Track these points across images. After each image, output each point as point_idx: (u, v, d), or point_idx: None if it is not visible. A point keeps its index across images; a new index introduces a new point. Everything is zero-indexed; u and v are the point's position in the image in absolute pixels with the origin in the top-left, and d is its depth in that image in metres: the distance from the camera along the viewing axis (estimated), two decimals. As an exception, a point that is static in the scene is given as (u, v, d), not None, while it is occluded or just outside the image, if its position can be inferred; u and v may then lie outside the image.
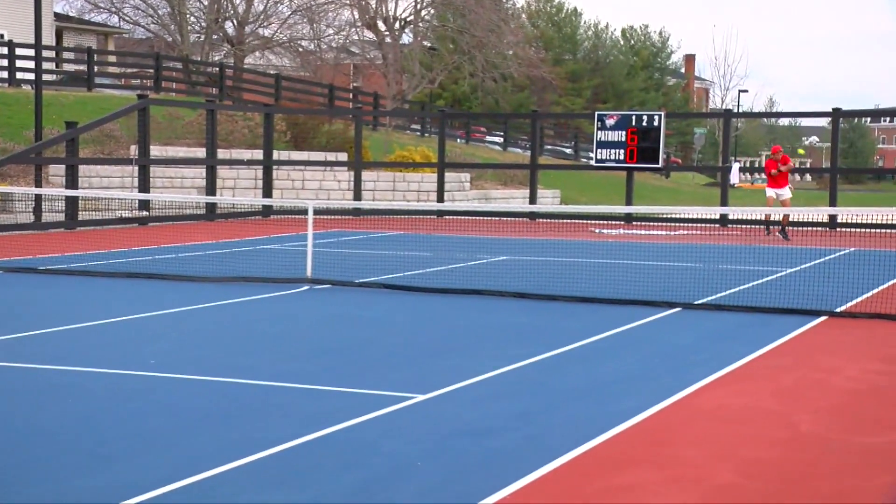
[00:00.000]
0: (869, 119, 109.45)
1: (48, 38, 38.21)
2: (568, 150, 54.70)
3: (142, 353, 8.46)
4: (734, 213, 23.61)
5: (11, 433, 6.08)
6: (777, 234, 21.28)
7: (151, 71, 36.75)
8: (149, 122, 23.16)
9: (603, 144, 25.32)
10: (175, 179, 25.26)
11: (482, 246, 17.99)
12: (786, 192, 21.76)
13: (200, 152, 25.47)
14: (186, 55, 40.93)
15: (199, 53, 42.98)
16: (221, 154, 25.82)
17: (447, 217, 26.27)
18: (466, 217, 25.64)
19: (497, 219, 25.09)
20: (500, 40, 44.35)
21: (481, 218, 25.16)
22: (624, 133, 25.05)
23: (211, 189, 24.39)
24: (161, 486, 5.06)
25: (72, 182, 20.89)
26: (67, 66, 37.46)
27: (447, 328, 9.97)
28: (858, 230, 22.42)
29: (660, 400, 6.96)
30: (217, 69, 38.85)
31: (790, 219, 21.76)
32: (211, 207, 24.11)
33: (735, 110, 61.32)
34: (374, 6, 42.13)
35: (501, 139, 50.41)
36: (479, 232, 21.12)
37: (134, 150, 24.06)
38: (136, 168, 22.61)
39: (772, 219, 21.80)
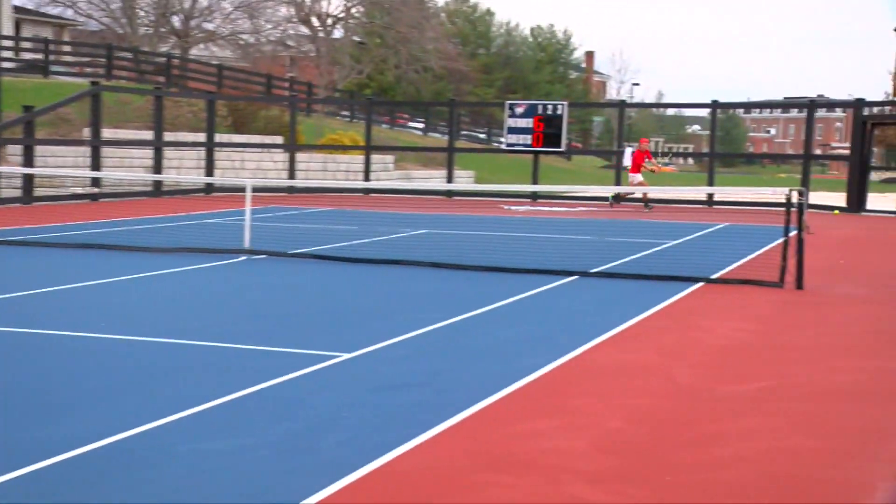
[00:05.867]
0: (742, 110, 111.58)
1: (7, 28, 36.96)
2: (482, 136, 54.74)
3: (92, 318, 8.26)
4: (626, 191, 23.92)
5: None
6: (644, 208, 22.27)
7: (103, 60, 35.70)
8: (101, 106, 22.57)
9: (513, 130, 25.38)
10: (125, 159, 24.65)
11: (404, 221, 17.95)
12: (638, 177, 22.56)
13: (148, 135, 24.90)
14: (136, 46, 39.91)
15: (148, 45, 41.92)
16: (168, 136, 25.29)
17: (373, 195, 26.14)
18: (390, 195, 25.53)
19: (418, 197, 25.02)
20: (421, 36, 44.15)
21: (403, 196, 25.07)
22: (531, 120, 25.14)
23: (157, 168, 23.89)
24: (104, 437, 4.96)
25: (29, 161, 20.27)
26: (25, 55, 36.22)
27: (371, 295, 9.93)
28: (732, 207, 22.88)
29: (557, 357, 7.03)
30: (164, 59, 37.95)
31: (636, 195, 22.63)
32: (157, 185, 23.62)
33: (628, 101, 61.98)
34: (308, 4, 41.56)
35: (422, 125, 50.23)
36: (402, 208, 21.06)
37: (87, 133, 23.42)
38: (89, 148, 22.01)
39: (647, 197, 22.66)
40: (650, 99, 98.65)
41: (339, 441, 5.05)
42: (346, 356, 6.92)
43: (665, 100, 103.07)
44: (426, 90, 52.22)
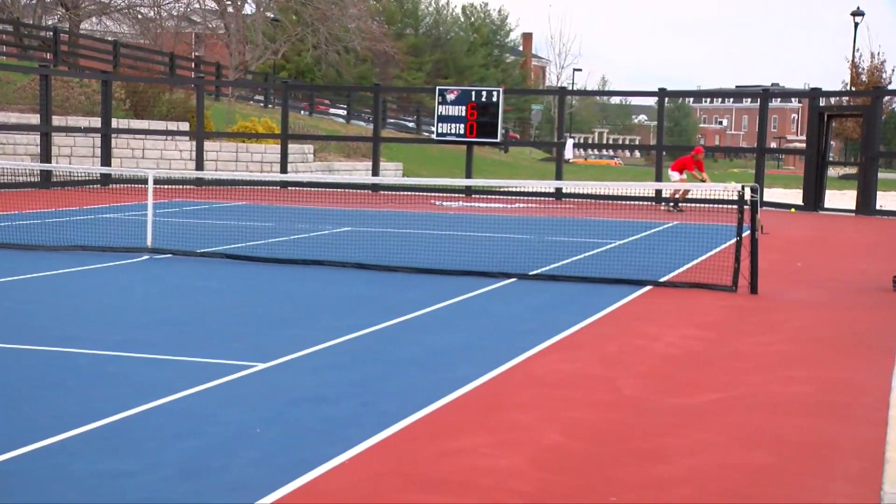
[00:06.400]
0: (692, 99, 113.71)
1: None
2: (410, 124, 54.87)
3: (-29, 325, 8.10)
4: (568, 186, 24.22)
5: None
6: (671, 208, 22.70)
7: (-20, 33, 34.89)
8: (-21, 86, 22.02)
9: (444, 119, 25.52)
10: (6, 146, 24.11)
11: (325, 217, 17.93)
12: (676, 175, 22.60)
13: (34, 119, 24.40)
14: (17, 17, 38.99)
15: (32, 16, 41.01)
16: (57, 121, 24.81)
17: (290, 188, 26.02)
18: (310, 189, 25.45)
19: (340, 190, 24.99)
20: (342, 13, 43.96)
21: (324, 189, 25.02)
22: (464, 108, 25.31)
23: (46, 156, 23.42)
24: (-8, 458, 4.89)
25: None
26: None
27: (288, 298, 9.92)
28: (682, 204, 23.31)
29: (492, 368, 7.12)
30: (51, 34, 37.18)
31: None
32: (46, 175, 23.15)
33: (569, 88, 62.68)
34: (216, -26, 41.08)
35: (345, 112, 50.12)
36: (322, 203, 21.02)
37: (-37, 115, 22.85)
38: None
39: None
40: (593, 86, 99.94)
41: (253, 459, 5.06)
42: (261, 366, 6.91)
43: (609, 87, 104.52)
44: (348, 73, 52.10)
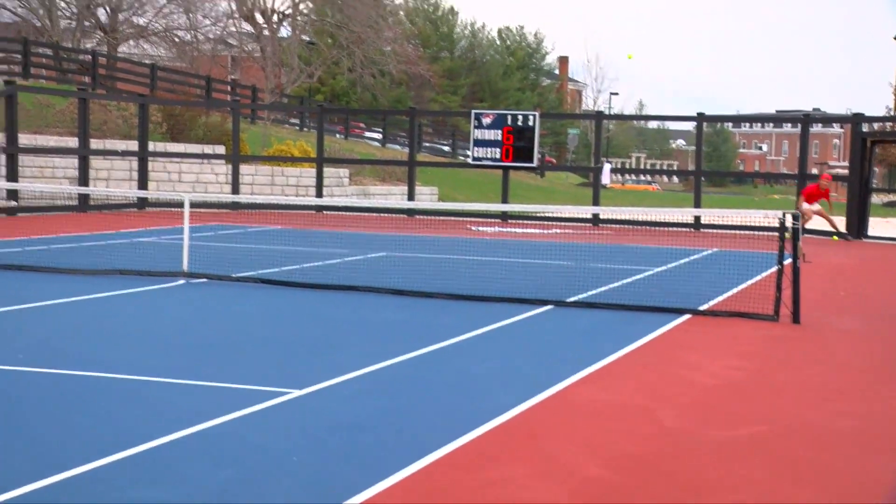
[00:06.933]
0: (731, 124, 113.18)
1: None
2: (445, 148, 55.03)
3: (9, 347, 8.19)
4: (605, 212, 24.14)
5: None
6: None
7: (19, 57, 35.43)
8: (16, 109, 22.40)
9: (480, 143, 25.56)
10: (45, 169, 24.46)
11: (360, 242, 17.99)
12: (807, 206, 22.26)
13: (72, 142, 24.73)
14: (57, 41, 39.60)
15: (71, 40, 41.64)
16: (95, 144, 25.13)
17: (326, 212, 26.15)
18: (345, 213, 25.56)
19: (375, 215, 25.07)
20: (378, 36, 44.27)
21: (360, 214, 25.11)
22: (500, 132, 25.34)
23: (84, 180, 23.72)
24: (31, 482, 4.93)
25: (-65, 170, 20.04)
26: (-69, 49, 35.84)
27: (324, 324, 9.95)
28: (721, 231, 23.19)
29: (531, 396, 7.09)
30: (89, 57, 37.72)
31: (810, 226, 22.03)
32: (84, 198, 23.43)
33: (606, 112, 62.65)
34: (251, -2, 41.54)
35: (380, 135, 50.38)
36: (358, 228, 21.09)
37: (1, 138, 23.20)
38: (4, 156, 21.81)
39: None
40: (630, 110, 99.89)
41: (288, 488, 5.06)
42: (297, 393, 6.93)
43: (647, 111, 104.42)
44: (384, 97, 52.42)
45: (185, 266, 12.72)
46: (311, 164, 28.86)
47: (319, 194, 27.12)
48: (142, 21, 44.62)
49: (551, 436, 6.20)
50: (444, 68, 62.78)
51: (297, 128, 44.69)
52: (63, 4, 42.79)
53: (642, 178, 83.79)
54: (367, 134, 51.64)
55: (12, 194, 21.95)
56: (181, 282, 12.21)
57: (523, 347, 9.00)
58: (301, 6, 43.79)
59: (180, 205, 13.68)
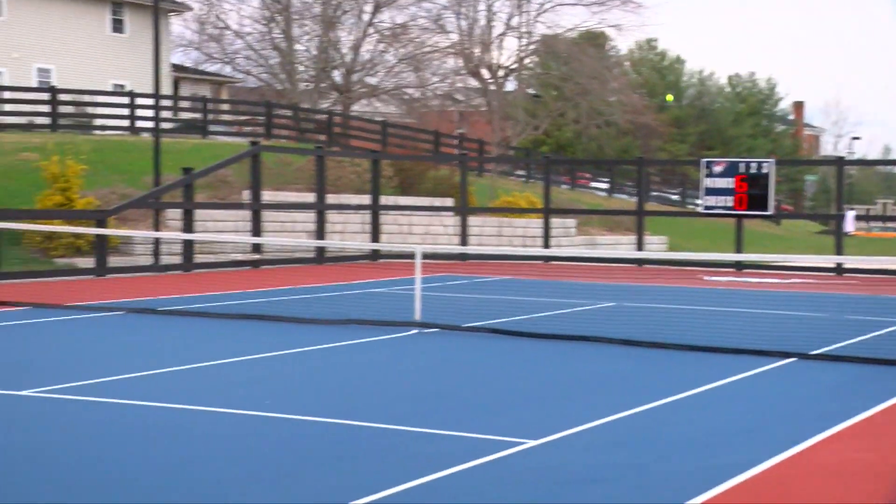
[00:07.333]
0: None
1: (166, 88, 39.58)
2: (674, 197, 54.13)
3: (256, 394, 8.60)
4: (850, 261, 22.96)
5: (130, 470, 6.23)
6: None
7: (262, 118, 37.68)
8: (260, 167, 23.72)
9: (711, 191, 24.95)
10: (286, 223, 25.75)
11: (589, 292, 17.86)
12: None
13: (310, 197, 25.93)
14: (296, 103, 41.86)
15: (309, 101, 43.93)
16: (330, 199, 26.25)
17: (553, 263, 26.18)
18: (572, 263, 25.50)
19: (603, 265, 24.89)
20: (603, 87, 44.28)
21: (587, 264, 25.00)
22: (732, 180, 24.66)
23: (320, 233, 24.79)
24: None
25: (188, 226, 21.48)
26: (184, 115, 38.70)
27: (556, 374, 9.90)
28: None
29: (774, 454, 6.76)
30: (326, 116, 39.63)
31: None
32: (320, 251, 24.47)
33: (847, 158, 59.93)
34: (477, 54, 42.54)
35: (607, 185, 50.15)
36: (586, 278, 20.98)
37: (246, 195, 24.63)
38: (249, 212, 23.14)
39: None
40: (874, 155, 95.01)
41: (527, 540, 5.02)
42: (531, 443, 6.90)
43: (893, 156, 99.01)
44: (610, 147, 52.26)
45: (417, 315, 13.00)
46: (537, 215, 29.03)
47: (546, 245, 27.20)
48: (373, 81, 46.56)
49: (799, 498, 5.88)
50: (671, 117, 61.98)
51: (524, 179, 45.14)
52: (302, 68, 45.30)
53: (889, 225, 79.33)
54: (594, 184, 51.54)
55: (256, 248, 23.21)
56: (414, 331, 12.48)
57: (764, 402, 8.63)
58: (526, 60, 44.45)
59: (411, 256, 14.05)
